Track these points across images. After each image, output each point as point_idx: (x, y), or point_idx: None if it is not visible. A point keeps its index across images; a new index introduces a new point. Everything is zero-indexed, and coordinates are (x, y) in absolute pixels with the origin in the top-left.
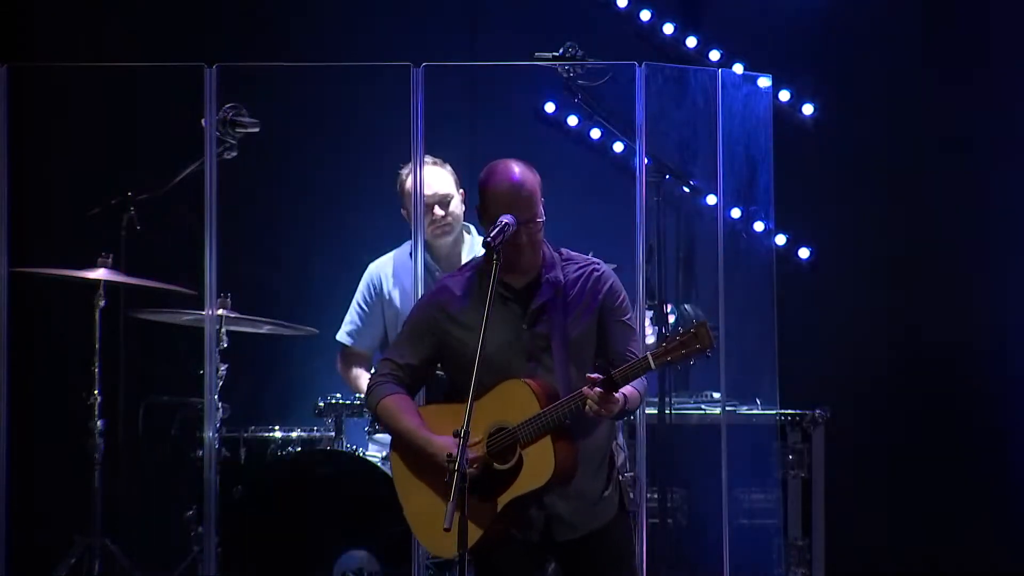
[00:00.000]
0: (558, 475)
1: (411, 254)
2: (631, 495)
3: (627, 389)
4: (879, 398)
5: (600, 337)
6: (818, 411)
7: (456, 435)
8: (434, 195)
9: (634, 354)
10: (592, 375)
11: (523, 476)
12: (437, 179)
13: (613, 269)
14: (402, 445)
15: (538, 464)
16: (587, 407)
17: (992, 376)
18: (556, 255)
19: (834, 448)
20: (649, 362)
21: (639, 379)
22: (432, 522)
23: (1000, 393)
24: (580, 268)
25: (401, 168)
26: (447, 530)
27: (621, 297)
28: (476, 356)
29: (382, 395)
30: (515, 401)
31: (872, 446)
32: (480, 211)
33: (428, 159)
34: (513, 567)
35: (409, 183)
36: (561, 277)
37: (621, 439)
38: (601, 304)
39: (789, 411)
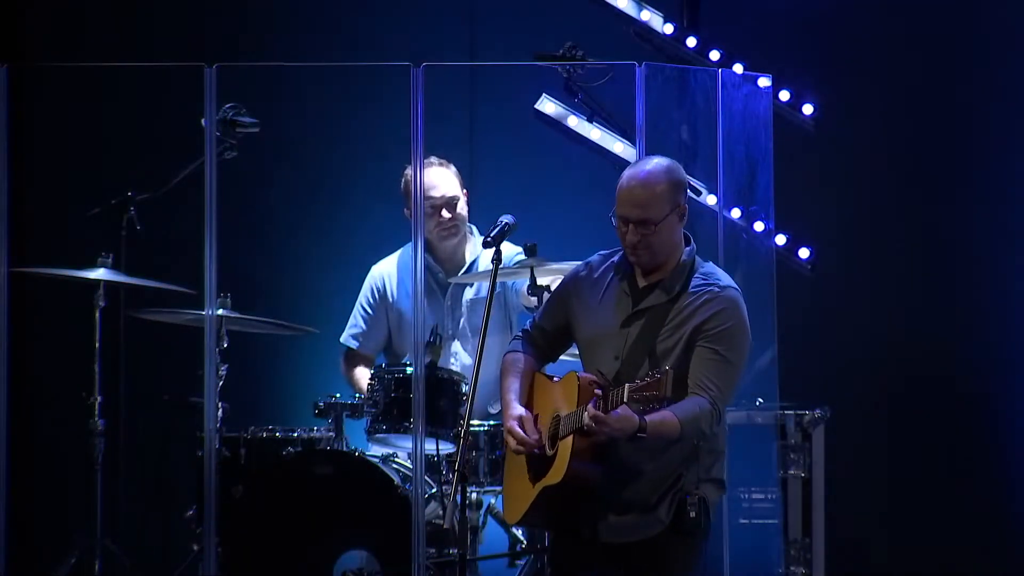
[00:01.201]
0: (571, 477)
1: (413, 252)
2: (692, 515)
3: (657, 415)
4: (879, 398)
5: (687, 359)
6: (818, 411)
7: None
8: (441, 197)
9: (701, 383)
10: (597, 390)
11: (553, 468)
12: (444, 180)
13: None
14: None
15: (560, 462)
16: (586, 426)
17: (992, 376)
18: (696, 266)
19: (834, 448)
20: (623, 394)
21: (690, 406)
22: (509, 485)
23: (1000, 393)
24: (704, 284)
25: (407, 168)
26: (447, 529)
27: (725, 326)
28: (587, 337)
29: (508, 350)
30: (567, 392)
31: (872, 446)
32: None
33: (433, 159)
34: (571, 560)
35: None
36: (678, 287)
37: (714, 472)
38: (698, 324)
39: (789, 411)
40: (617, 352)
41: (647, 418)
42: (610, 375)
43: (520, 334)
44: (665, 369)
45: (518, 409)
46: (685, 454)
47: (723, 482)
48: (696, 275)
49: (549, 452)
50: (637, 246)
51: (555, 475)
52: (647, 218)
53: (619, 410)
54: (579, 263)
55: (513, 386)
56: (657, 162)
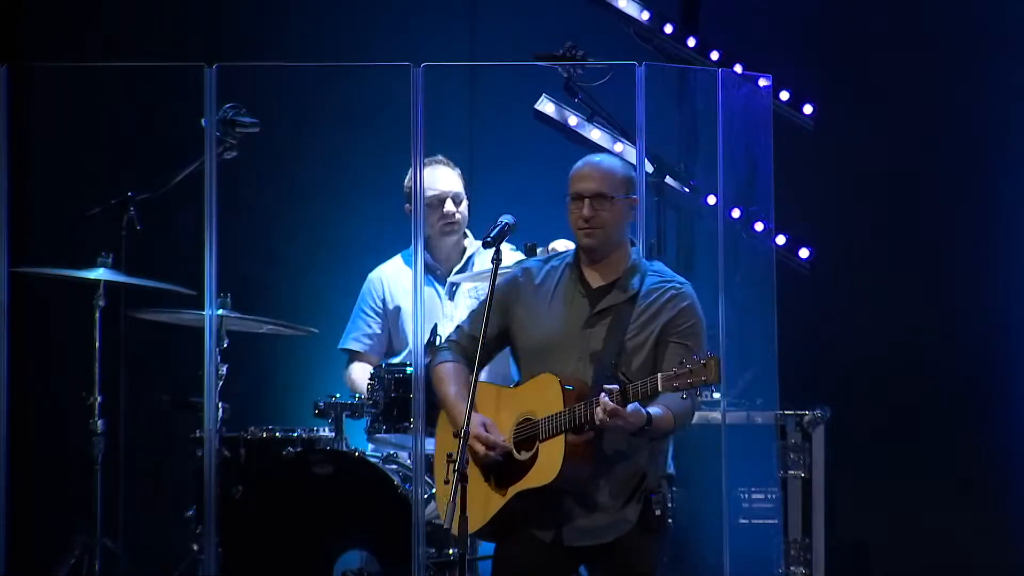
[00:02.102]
0: (563, 477)
1: (412, 254)
2: (658, 512)
3: (657, 409)
4: (879, 398)
5: (656, 355)
6: (818, 411)
7: (482, 426)
8: (448, 191)
9: None
10: (608, 385)
11: (534, 471)
12: (449, 176)
13: None
14: (446, 413)
15: (548, 462)
16: (595, 414)
17: (992, 376)
18: (646, 265)
19: (834, 448)
20: (657, 383)
21: (678, 401)
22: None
23: (1000, 392)
24: (661, 282)
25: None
26: (447, 529)
27: (692, 323)
28: (535, 344)
29: (439, 361)
30: (544, 394)
31: (872, 446)
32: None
33: (440, 159)
34: (530, 564)
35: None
36: (636, 285)
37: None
38: (667, 321)
39: (789, 411)
40: (581, 353)
41: (651, 412)
42: (582, 376)
43: (447, 344)
44: (710, 354)
45: (478, 416)
46: (648, 453)
47: (674, 477)
48: (650, 274)
49: (521, 457)
50: (591, 222)
51: (542, 476)
52: (603, 192)
53: (631, 405)
54: (511, 269)
55: (461, 395)
56: (610, 155)
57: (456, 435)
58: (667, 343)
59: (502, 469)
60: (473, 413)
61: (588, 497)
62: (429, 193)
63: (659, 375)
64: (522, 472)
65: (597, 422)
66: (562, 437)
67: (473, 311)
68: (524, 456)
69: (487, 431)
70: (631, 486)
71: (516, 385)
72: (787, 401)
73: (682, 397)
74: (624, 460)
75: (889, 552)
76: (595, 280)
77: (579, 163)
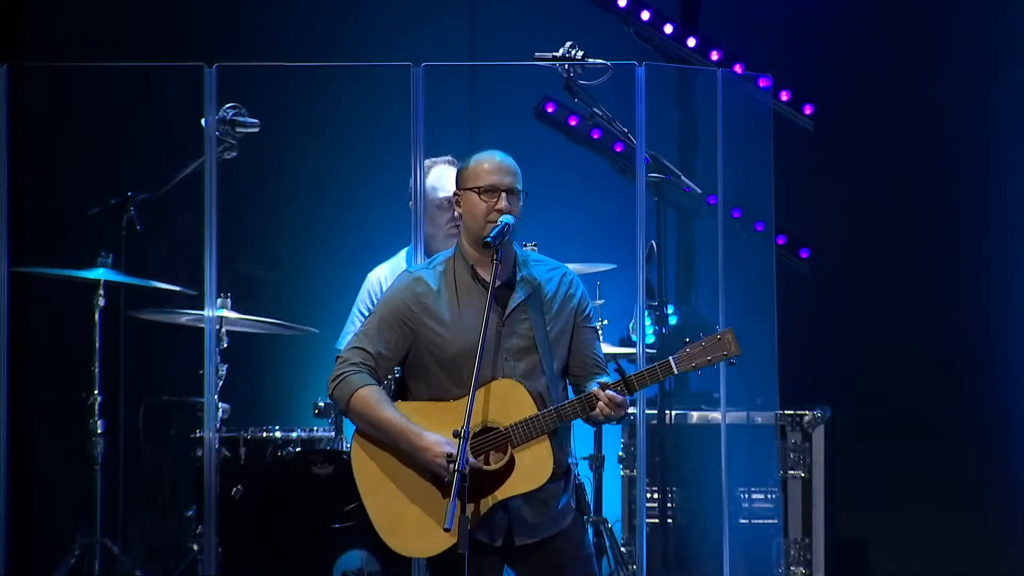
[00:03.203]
0: (554, 478)
1: (412, 254)
2: (587, 499)
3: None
4: (879, 398)
5: (572, 342)
6: (818, 411)
7: (455, 435)
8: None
9: (599, 359)
10: (603, 380)
11: (516, 478)
12: None
13: (612, 269)
14: (377, 438)
15: (535, 466)
16: (598, 409)
17: (992, 376)
18: (526, 255)
19: (834, 448)
20: (671, 367)
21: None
22: (402, 520)
23: (1000, 392)
24: (551, 270)
25: (429, 164)
26: (447, 530)
27: (588, 303)
28: (456, 352)
29: (358, 384)
30: (509, 401)
31: (872, 446)
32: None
33: (453, 160)
34: (475, 571)
35: (433, 182)
36: (532, 276)
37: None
38: (575, 308)
39: (789, 411)
40: (506, 353)
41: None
42: (511, 375)
43: (356, 367)
44: (722, 330)
45: (434, 435)
46: (567, 440)
47: (572, 452)
48: (533, 263)
49: (496, 464)
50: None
51: (532, 480)
52: (516, 187)
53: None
54: (396, 283)
55: (403, 415)
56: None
57: (456, 435)
58: (578, 327)
59: (482, 479)
60: (428, 433)
61: (538, 493)
62: (440, 194)
63: (672, 358)
64: (497, 483)
65: (602, 417)
66: (545, 439)
67: (364, 330)
68: (495, 465)
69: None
70: (561, 474)
71: (455, 399)
72: (787, 401)
73: (699, 374)
74: (562, 451)
75: (889, 552)
76: (492, 278)
77: (487, 154)
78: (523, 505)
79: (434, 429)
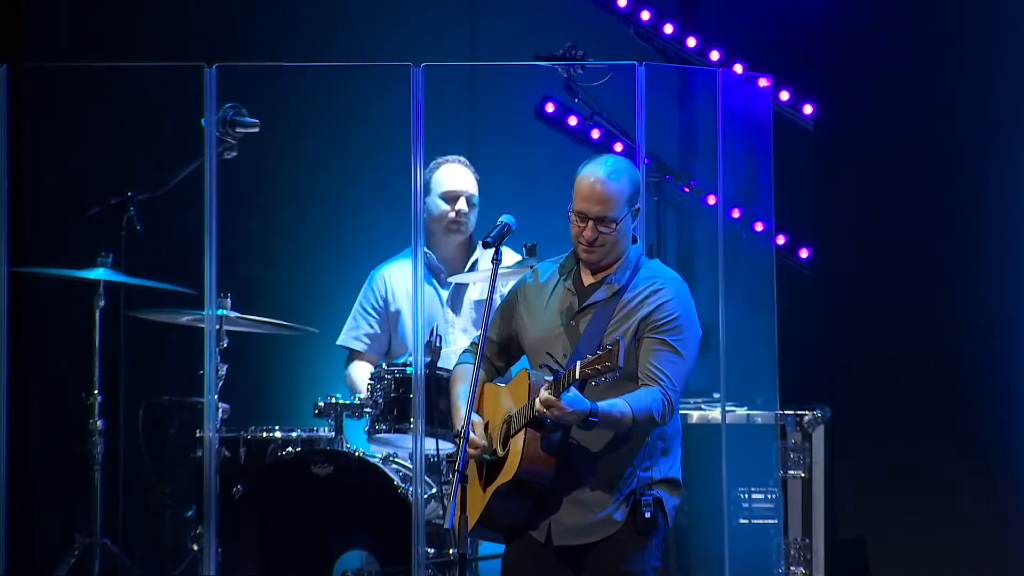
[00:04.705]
0: (523, 472)
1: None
2: (648, 515)
3: (611, 403)
4: (879, 398)
5: (636, 351)
6: (818, 411)
7: (456, 434)
8: (463, 190)
9: (653, 371)
10: (545, 377)
11: (504, 469)
12: (468, 178)
13: None
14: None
15: (512, 459)
16: (535, 406)
17: (993, 376)
18: (642, 263)
19: (834, 448)
20: (575, 371)
21: (642, 398)
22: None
23: (1000, 392)
24: (650, 279)
25: (439, 162)
26: (448, 529)
27: (671, 317)
28: (533, 341)
29: (457, 362)
30: (517, 391)
31: (872, 446)
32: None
33: (461, 159)
34: (527, 566)
35: (440, 177)
36: (623, 281)
37: (666, 470)
38: (644, 316)
39: (789, 411)
40: (566, 349)
41: (598, 405)
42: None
43: (469, 348)
44: (616, 340)
45: (474, 416)
46: (637, 454)
47: (679, 482)
48: (642, 270)
49: (501, 453)
50: (593, 244)
51: (506, 474)
52: (607, 216)
53: (570, 394)
54: (528, 271)
55: (465, 393)
56: (617, 161)
57: (457, 435)
58: (644, 336)
59: (490, 469)
60: (473, 414)
61: (572, 497)
62: (445, 188)
63: (578, 362)
64: (499, 471)
65: (536, 414)
66: (521, 433)
67: (494, 315)
68: (503, 453)
69: (473, 431)
70: (617, 486)
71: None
72: (787, 401)
73: (593, 384)
74: (606, 458)
75: (889, 552)
76: (587, 277)
77: (586, 173)
78: (564, 504)
79: (488, 412)
